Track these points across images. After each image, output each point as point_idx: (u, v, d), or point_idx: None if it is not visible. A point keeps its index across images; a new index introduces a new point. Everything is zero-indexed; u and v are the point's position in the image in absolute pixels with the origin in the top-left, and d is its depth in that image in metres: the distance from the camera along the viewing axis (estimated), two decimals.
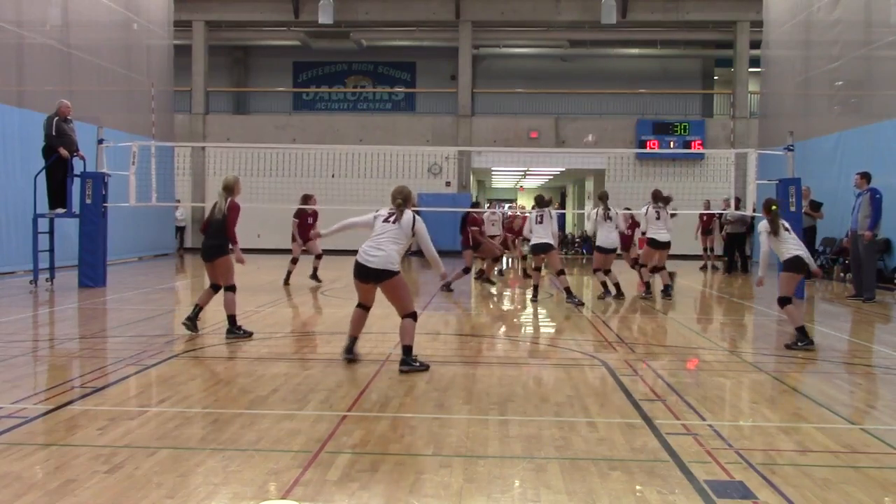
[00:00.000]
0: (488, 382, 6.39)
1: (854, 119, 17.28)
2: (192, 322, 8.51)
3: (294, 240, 14.83)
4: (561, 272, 12.22)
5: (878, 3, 16.46)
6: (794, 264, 8.18)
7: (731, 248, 19.06)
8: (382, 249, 6.71)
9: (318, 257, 14.94)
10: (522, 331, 10.04)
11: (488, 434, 4.89)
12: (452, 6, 26.13)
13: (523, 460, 4.35)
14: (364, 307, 7.06)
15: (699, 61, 29.84)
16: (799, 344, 8.10)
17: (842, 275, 16.20)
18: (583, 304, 11.77)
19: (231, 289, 8.46)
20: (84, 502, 3.67)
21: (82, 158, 13.47)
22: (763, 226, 8.35)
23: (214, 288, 8.54)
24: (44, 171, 13.11)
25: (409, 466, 4.22)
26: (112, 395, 5.86)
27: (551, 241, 12.03)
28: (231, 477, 4.02)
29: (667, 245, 12.89)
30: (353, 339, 7.10)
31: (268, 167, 20.00)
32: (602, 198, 12.84)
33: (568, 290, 12.05)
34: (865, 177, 12.79)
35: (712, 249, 19.82)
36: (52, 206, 13.21)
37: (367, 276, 6.75)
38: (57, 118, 12.98)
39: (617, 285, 12.78)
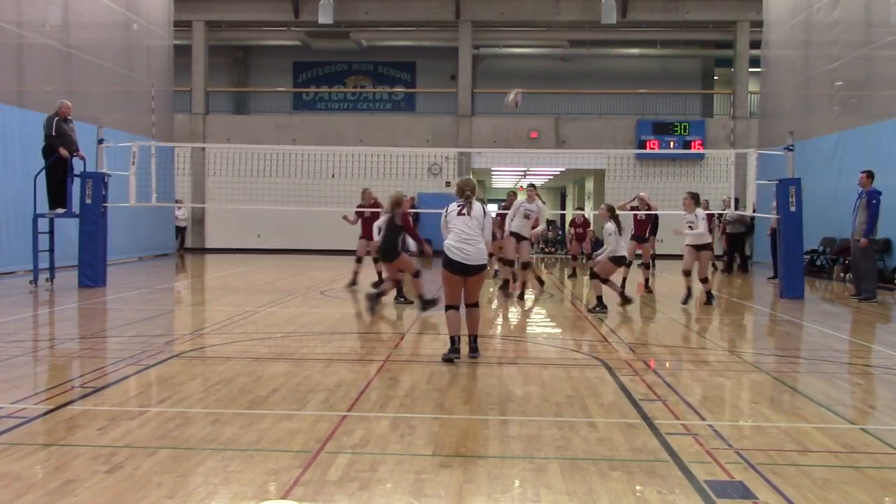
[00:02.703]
0: (488, 382, 6.39)
1: (854, 119, 17.28)
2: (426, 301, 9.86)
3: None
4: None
5: (878, 3, 16.47)
6: (619, 260, 11.03)
7: (731, 248, 19.07)
8: (474, 245, 7.06)
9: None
10: (522, 331, 10.04)
11: (488, 434, 4.88)
12: (452, 6, 26.13)
13: (523, 460, 4.35)
14: (456, 308, 7.22)
15: (699, 61, 29.84)
16: (596, 309, 10.85)
17: (842, 275, 16.20)
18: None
19: (417, 274, 10.44)
20: (84, 502, 3.66)
21: (82, 158, 13.46)
22: (611, 227, 10.92)
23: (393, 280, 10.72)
24: (44, 171, 13.11)
25: (409, 466, 4.22)
26: (112, 395, 5.86)
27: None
28: (231, 477, 4.02)
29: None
30: (457, 339, 7.16)
31: (268, 167, 19.99)
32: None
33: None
34: (871, 176, 12.57)
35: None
36: (52, 206, 13.20)
37: (465, 272, 7.10)
38: (57, 118, 12.98)
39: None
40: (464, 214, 7.11)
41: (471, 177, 7.51)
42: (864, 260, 12.65)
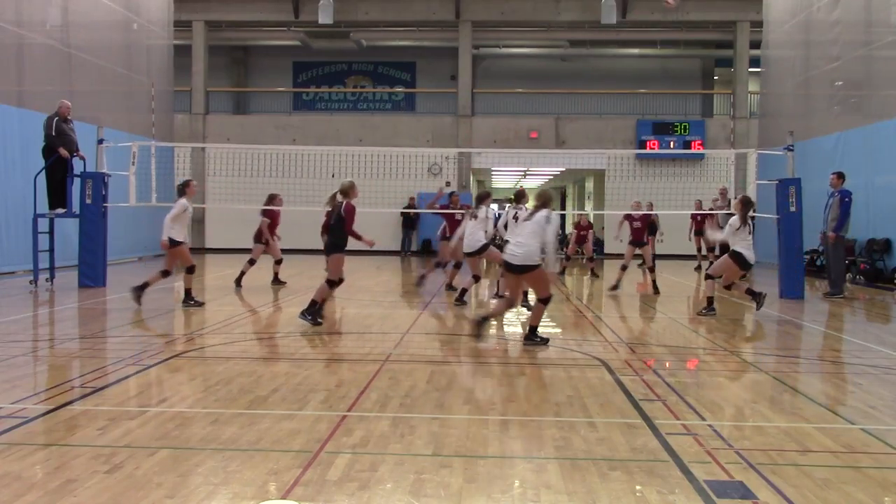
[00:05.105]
0: (488, 382, 6.39)
1: (854, 119, 17.28)
2: (315, 316, 9.17)
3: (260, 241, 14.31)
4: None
5: (878, 3, 16.46)
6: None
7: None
8: (523, 247, 7.82)
9: (278, 262, 14.56)
10: (522, 331, 10.03)
11: (488, 434, 4.88)
12: (452, 6, 26.13)
13: (523, 460, 4.35)
14: (508, 300, 8.35)
15: (699, 61, 29.84)
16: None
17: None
18: None
19: (331, 283, 9.34)
20: (84, 502, 3.66)
21: (82, 158, 13.46)
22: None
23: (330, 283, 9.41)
24: (44, 171, 13.11)
25: (409, 466, 4.22)
26: (112, 395, 5.85)
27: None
28: (231, 477, 4.02)
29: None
30: (488, 318, 8.20)
31: (268, 167, 19.99)
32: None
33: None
34: (841, 177, 13.33)
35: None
36: (52, 206, 13.21)
37: (515, 270, 7.98)
38: (57, 118, 12.98)
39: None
40: (526, 220, 7.92)
41: (547, 190, 8.20)
42: (834, 256, 13.34)
